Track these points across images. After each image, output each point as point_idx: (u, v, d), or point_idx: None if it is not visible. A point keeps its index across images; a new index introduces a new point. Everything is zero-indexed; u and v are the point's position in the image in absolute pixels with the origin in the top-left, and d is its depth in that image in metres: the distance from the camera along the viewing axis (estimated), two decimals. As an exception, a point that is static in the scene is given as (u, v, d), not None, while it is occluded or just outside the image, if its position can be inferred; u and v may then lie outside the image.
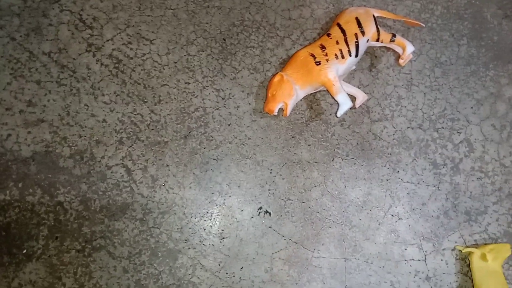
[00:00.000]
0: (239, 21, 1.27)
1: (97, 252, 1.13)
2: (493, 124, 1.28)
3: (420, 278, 1.20)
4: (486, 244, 1.20)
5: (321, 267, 1.19)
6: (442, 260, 1.21)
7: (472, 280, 1.18)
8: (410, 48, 1.23)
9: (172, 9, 1.25)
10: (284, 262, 1.18)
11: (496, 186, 1.25)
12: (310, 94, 1.24)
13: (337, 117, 1.20)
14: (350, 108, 1.24)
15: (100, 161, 1.16)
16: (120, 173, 1.16)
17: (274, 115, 1.20)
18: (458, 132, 1.27)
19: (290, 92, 1.15)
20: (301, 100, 1.24)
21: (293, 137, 1.23)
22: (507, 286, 1.14)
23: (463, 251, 1.18)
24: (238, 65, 1.24)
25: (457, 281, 1.20)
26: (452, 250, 1.22)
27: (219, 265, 1.16)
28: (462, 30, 1.32)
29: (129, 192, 1.16)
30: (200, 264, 1.15)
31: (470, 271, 1.18)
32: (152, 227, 1.15)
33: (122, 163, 1.17)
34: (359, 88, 1.26)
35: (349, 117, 1.25)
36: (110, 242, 1.13)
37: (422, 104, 1.27)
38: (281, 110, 1.20)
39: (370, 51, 1.29)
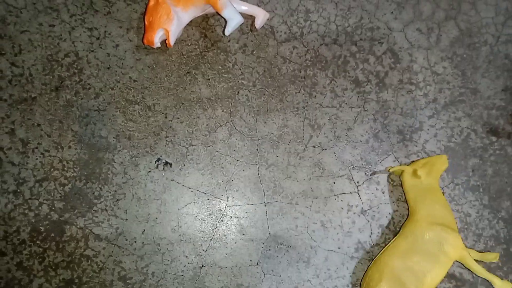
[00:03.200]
0: None
1: (-35, 237, 0.95)
2: (418, 28, 1.11)
3: (354, 213, 1.05)
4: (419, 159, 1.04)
5: (238, 217, 1.02)
6: (377, 189, 1.06)
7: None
8: None
9: None
10: (194, 217, 1.02)
11: (430, 98, 1.09)
12: (202, 19, 1.06)
13: (225, 35, 1.02)
14: (251, 31, 1.06)
15: (-48, 130, 0.97)
16: (-20, 141, 0.98)
17: (159, 48, 1.01)
18: (379, 43, 1.10)
19: (169, 16, 0.97)
20: (191, 28, 1.05)
21: (187, 72, 1.05)
22: (446, 202, 0.98)
23: (390, 170, 1.02)
24: (111, -3, 1.05)
25: (397, 210, 1.05)
26: (388, 176, 1.06)
27: (116, 231, 0.99)
28: None
29: (-6, 161, 0.97)
30: (93, 233, 0.98)
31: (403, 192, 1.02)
32: (29, 198, 0.98)
33: (-18, 129, 0.98)
34: (259, 6, 1.08)
35: (251, 41, 1.07)
36: (-21, 223, 0.96)
37: (335, 15, 1.10)
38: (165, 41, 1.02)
39: (268, -36, 1.10)
